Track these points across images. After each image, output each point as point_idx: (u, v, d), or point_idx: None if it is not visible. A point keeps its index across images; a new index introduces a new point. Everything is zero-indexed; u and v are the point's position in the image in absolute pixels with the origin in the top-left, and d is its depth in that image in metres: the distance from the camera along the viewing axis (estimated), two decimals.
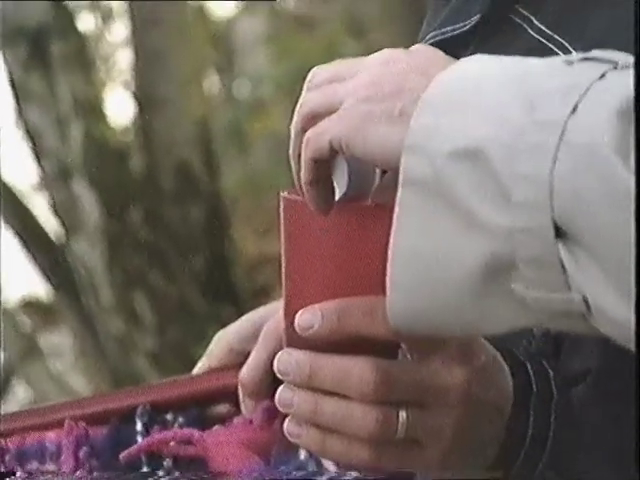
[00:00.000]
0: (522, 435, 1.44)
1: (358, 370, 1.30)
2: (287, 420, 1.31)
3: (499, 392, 1.43)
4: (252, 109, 6.60)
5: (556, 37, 1.54)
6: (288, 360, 1.29)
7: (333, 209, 1.52)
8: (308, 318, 1.28)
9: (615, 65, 1.18)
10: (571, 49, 1.45)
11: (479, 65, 1.22)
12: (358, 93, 1.16)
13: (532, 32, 1.54)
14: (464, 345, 1.40)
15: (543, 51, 1.50)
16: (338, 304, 1.29)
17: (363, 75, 1.18)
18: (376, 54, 1.22)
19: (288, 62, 7.01)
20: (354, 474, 1.76)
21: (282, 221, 1.48)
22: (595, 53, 1.20)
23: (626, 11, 1.47)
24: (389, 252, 1.22)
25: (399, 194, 1.18)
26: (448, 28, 1.72)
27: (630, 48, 1.50)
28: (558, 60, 1.20)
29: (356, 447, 1.36)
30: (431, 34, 1.74)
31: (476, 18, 1.62)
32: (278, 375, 1.29)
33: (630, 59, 1.22)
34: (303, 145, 1.15)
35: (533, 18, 1.57)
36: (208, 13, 6.74)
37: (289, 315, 1.29)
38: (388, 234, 1.52)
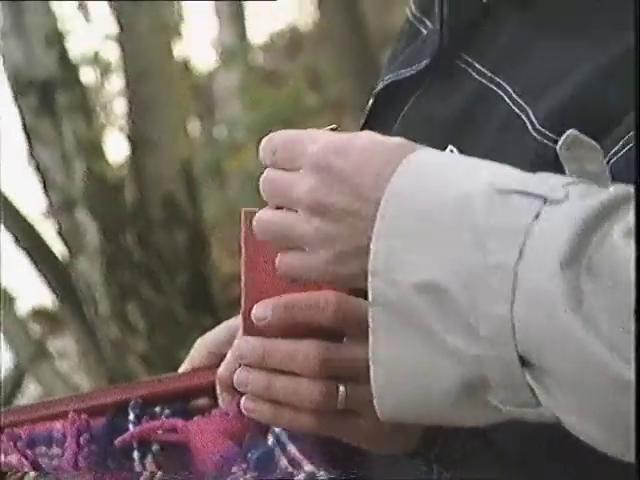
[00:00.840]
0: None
1: (304, 351, 1.38)
2: (244, 398, 1.39)
3: None
4: (229, 150, 6.59)
5: (496, 79, 1.54)
6: (245, 346, 1.38)
7: None
8: (262, 311, 1.36)
9: (545, 200, 1.19)
10: (509, 89, 1.50)
11: (424, 184, 1.23)
12: (311, 209, 1.23)
13: (475, 75, 1.56)
14: None
15: (485, 91, 1.54)
16: (286, 298, 1.38)
17: (312, 181, 1.21)
18: (322, 145, 1.26)
19: (259, 110, 7.03)
20: (326, 475, 1.77)
21: (242, 230, 1.52)
22: (526, 186, 1.21)
23: (559, 55, 1.52)
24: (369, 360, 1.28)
25: (370, 312, 1.24)
26: (402, 71, 1.71)
27: (562, 89, 1.50)
28: (491, 189, 1.20)
29: (303, 417, 1.44)
30: (388, 76, 1.73)
31: (425, 63, 1.62)
32: (237, 359, 1.39)
33: (558, 190, 1.19)
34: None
35: (475, 63, 1.58)
36: (192, 68, 6.75)
37: (246, 309, 1.36)
38: None
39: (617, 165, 1.43)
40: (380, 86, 1.75)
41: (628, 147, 1.44)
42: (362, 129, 1.74)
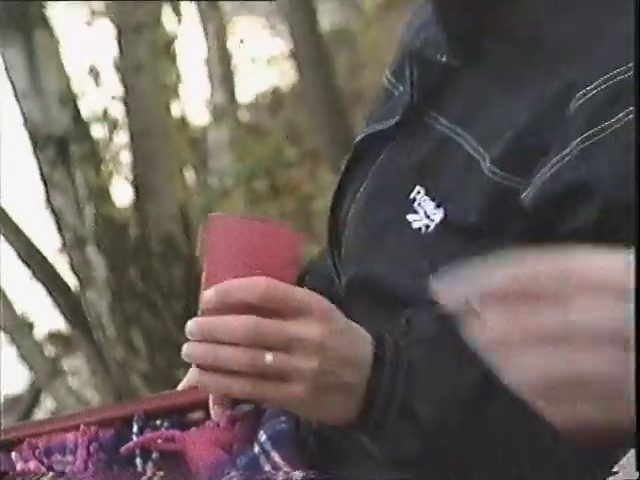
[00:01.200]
0: (378, 385, 1.52)
1: (237, 324, 1.46)
2: (198, 373, 1.49)
3: (357, 350, 1.53)
4: (219, 195, 6.61)
5: (457, 129, 1.59)
6: (193, 324, 1.48)
7: (240, 224, 1.67)
8: (209, 294, 1.47)
9: None
10: (468, 137, 1.55)
11: None
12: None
13: (439, 127, 1.61)
14: (324, 310, 1.54)
15: (448, 140, 1.60)
16: (226, 283, 1.48)
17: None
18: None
19: (245, 161, 7.03)
20: (301, 473, 1.77)
21: (208, 232, 1.64)
22: None
23: (505, 107, 1.56)
24: None
25: None
26: (377, 126, 1.76)
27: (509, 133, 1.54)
28: None
29: (239, 382, 1.49)
30: (365, 130, 1.81)
31: (397, 118, 1.68)
32: (188, 336, 1.48)
33: None
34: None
35: (440, 117, 1.63)
36: (187, 124, 6.76)
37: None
38: (269, 247, 1.61)
39: (547, 184, 1.51)
40: (358, 138, 1.81)
41: (555, 169, 1.49)
42: (343, 174, 1.84)
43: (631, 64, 1.47)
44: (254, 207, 6.39)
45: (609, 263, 1.12)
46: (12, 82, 3.47)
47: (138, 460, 1.85)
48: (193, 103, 7.06)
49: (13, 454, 1.87)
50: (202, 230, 1.59)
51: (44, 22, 3.51)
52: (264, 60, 8.41)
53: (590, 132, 1.46)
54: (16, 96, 3.50)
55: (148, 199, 4.16)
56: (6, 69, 3.46)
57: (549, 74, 1.51)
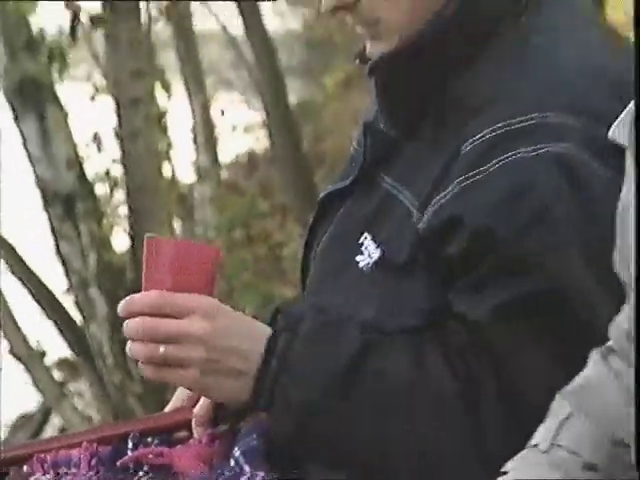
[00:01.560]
0: (265, 374, 1.55)
1: (138, 325, 1.59)
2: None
3: (246, 342, 1.59)
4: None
5: (398, 186, 1.59)
6: (125, 326, 1.56)
7: (166, 244, 1.71)
8: (121, 307, 1.59)
9: None
10: (406, 192, 1.56)
11: None
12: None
13: (385, 184, 1.62)
14: (207, 310, 1.62)
15: (391, 195, 1.61)
16: (130, 298, 1.58)
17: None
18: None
19: (225, 214, 7.03)
20: (262, 474, 1.75)
21: (145, 252, 1.64)
22: None
23: (431, 166, 1.55)
24: None
25: None
26: (338, 184, 1.76)
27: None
28: None
29: (148, 369, 1.63)
30: (328, 188, 1.81)
31: (352, 178, 1.69)
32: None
33: None
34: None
35: (385, 176, 1.64)
36: (176, 182, 6.76)
37: None
38: (190, 261, 1.67)
39: (432, 217, 1.52)
40: (322, 195, 1.81)
41: (438, 204, 1.51)
42: (310, 228, 1.85)
43: (518, 116, 1.48)
44: (232, 253, 6.38)
45: None
46: (27, 150, 3.46)
47: (132, 473, 1.86)
48: (181, 165, 7.06)
49: (25, 467, 1.86)
50: (147, 245, 1.69)
51: (54, 98, 3.50)
52: (241, 128, 8.42)
53: (469, 174, 1.47)
54: (30, 161, 3.48)
55: (142, 246, 4.16)
56: (22, 139, 3.45)
57: (459, 132, 1.51)
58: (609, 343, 1.31)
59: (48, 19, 3.72)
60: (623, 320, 1.26)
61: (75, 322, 4.57)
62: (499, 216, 1.48)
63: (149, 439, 1.86)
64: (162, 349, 1.56)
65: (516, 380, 1.51)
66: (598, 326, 1.34)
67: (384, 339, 1.59)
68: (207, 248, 1.77)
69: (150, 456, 1.84)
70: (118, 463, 1.84)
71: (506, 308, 1.50)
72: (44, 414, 5.41)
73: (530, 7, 1.58)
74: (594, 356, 1.32)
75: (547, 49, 1.58)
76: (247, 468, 1.78)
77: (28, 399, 4.38)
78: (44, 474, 1.83)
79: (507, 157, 1.45)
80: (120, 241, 4.08)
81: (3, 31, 3.31)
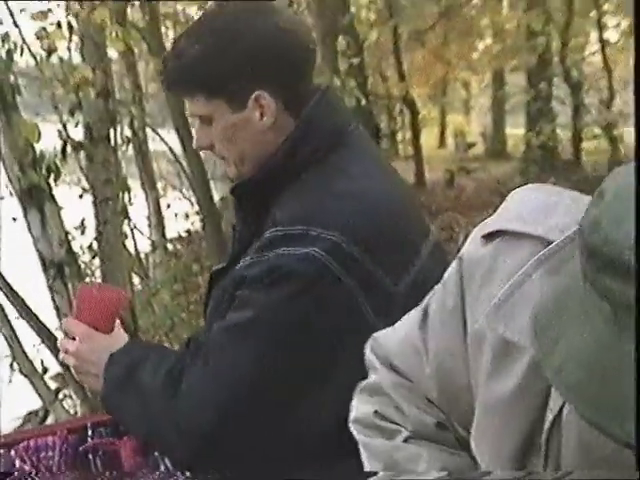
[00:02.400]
0: (104, 378, 1.69)
1: (64, 346, 1.72)
2: None
3: (98, 357, 1.71)
4: (153, 293, 6.56)
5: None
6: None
7: (83, 290, 1.84)
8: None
9: None
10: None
11: None
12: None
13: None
14: (82, 337, 1.72)
15: None
16: (65, 321, 1.78)
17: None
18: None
19: (169, 273, 7.03)
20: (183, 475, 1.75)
21: (77, 295, 1.79)
22: None
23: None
24: None
25: None
26: (222, 263, 1.75)
27: None
28: None
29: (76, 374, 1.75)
30: (215, 266, 1.79)
31: (227, 261, 1.69)
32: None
33: None
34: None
35: (246, 257, 1.62)
36: (138, 252, 6.74)
37: None
38: (98, 302, 1.77)
39: (238, 271, 1.61)
40: (212, 270, 1.78)
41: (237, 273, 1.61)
42: (206, 295, 1.81)
43: (290, 225, 1.51)
44: (174, 300, 6.30)
45: None
46: (31, 232, 3.43)
47: (90, 456, 1.83)
48: (140, 241, 7.02)
49: (12, 452, 1.82)
50: (79, 291, 1.91)
51: (51, 198, 3.49)
52: (182, 216, 8.35)
53: (254, 256, 1.53)
54: (33, 240, 3.45)
55: (115, 285, 4.11)
56: (28, 225, 3.42)
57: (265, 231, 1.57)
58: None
59: (47, 144, 3.70)
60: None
61: None
62: (255, 279, 1.52)
63: (102, 429, 1.84)
64: (60, 356, 1.73)
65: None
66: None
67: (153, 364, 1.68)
68: (111, 292, 1.84)
69: (104, 444, 1.84)
70: (81, 448, 1.82)
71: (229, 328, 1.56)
72: (45, 412, 5.28)
73: (328, 154, 1.62)
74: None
75: (327, 183, 1.57)
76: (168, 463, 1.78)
77: (34, 401, 4.25)
78: (25, 462, 1.80)
79: (277, 254, 1.49)
80: None
81: (15, 154, 3.31)
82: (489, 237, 1.02)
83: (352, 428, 1.23)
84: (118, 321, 1.77)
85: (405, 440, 1.16)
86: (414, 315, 1.16)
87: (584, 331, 0.73)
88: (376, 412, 1.20)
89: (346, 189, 1.55)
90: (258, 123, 1.59)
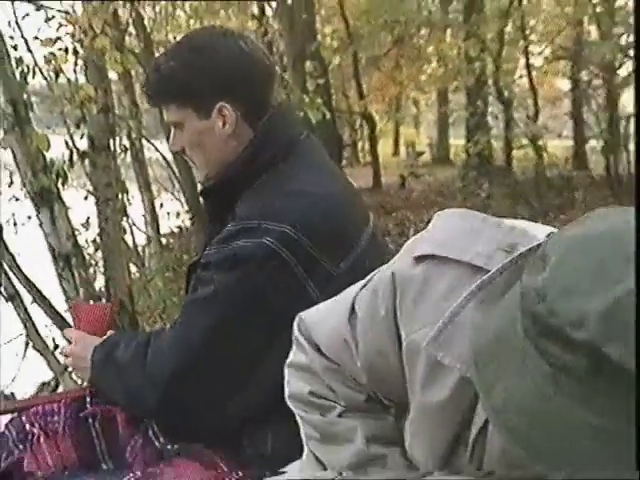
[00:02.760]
0: (90, 369, 1.77)
1: (67, 347, 1.78)
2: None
3: (86, 355, 1.73)
4: (148, 280, 6.49)
5: None
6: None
7: (77, 307, 1.88)
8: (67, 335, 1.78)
9: None
10: None
11: None
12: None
13: None
14: (76, 341, 1.77)
15: None
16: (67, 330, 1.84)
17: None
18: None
19: (162, 263, 6.97)
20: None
21: (74, 310, 1.84)
22: None
23: None
24: None
25: None
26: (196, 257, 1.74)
27: None
28: None
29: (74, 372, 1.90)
30: (194, 258, 1.77)
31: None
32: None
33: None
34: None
35: None
36: (136, 245, 6.65)
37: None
38: (90, 315, 1.81)
39: (206, 257, 1.60)
40: (189, 264, 1.77)
41: (210, 252, 1.61)
42: (186, 286, 1.78)
43: (248, 220, 1.52)
44: (166, 286, 6.23)
45: None
46: (42, 228, 3.38)
47: (90, 420, 1.81)
48: (137, 235, 6.98)
49: (23, 417, 1.80)
50: (74, 307, 1.97)
51: (59, 199, 3.45)
52: (174, 214, 8.28)
53: (218, 246, 1.54)
54: (44, 235, 3.41)
55: (114, 283, 4.04)
56: (40, 222, 3.38)
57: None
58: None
59: (56, 153, 3.67)
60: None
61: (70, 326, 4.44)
62: (217, 263, 1.53)
63: (99, 399, 1.83)
64: (70, 361, 1.81)
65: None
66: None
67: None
68: (101, 306, 1.98)
69: (101, 410, 1.82)
70: (81, 414, 1.80)
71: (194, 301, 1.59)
72: (56, 382, 5.22)
73: (284, 158, 1.63)
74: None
75: (280, 185, 1.58)
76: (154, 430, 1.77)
77: (46, 373, 4.24)
78: (34, 426, 1.78)
79: (236, 242, 1.50)
80: (99, 282, 3.99)
81: (28, 161, 3.28)
82: (419, 259, 1.00)
83: (289, 402, 1.23)
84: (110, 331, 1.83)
85: (339, 415, 1.16)
86: (341, 308, 1.14)
87: (523, 381, 0.72)
88: (311, 392, 1.19)
89: (295, 190, 1.56)
90: (220, 131, 1.63)
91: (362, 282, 1.15)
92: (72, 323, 1.89)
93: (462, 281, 0.92)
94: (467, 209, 1.04)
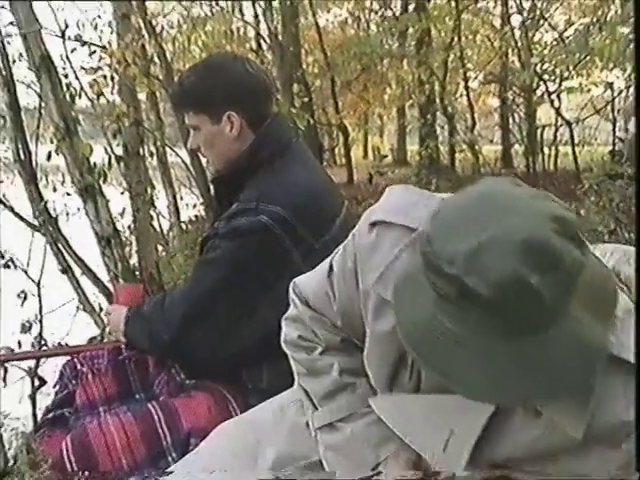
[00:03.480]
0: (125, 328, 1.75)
1: (106, 317, 1.73)
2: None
3: (119, 319, 1.71)
4: (172, 256, 6.44)
5: None
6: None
7: (117, 287, 2.02)
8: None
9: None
10: None
11: None
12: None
13: None
14: (110, 310, 1.73)
15: None
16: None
17: None
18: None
19: (182, 243, 6.89)
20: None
21: (114, 290, 1.93)
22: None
23: None
24: None
25: None
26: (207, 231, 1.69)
27: None
28: None
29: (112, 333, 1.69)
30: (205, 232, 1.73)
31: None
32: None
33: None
34: None
35: None
36: (160, 229, 6.58)
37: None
38: (126, 292, 1.79)
39: (214, 230, 1.59)
40: (202, 237, 1.70)
41: (219, 226, 1.56)
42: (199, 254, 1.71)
43: (248, 202, 1.51)
44: (187, 260, 6.14)
45: None
46: (88, 216, 3.37)
47: (127, 362, 1.82)
48: (163, 222, 6.92)
49: (75, 359, 1.81)
50: (115, 288, 1.91)
51: (101, 193, 3.42)
52: (191, 205, 8.18)
53: (226, 222, 1.53)
54: (90, 222, 3.39)
55: (145, 259, 3.97)
56: (86, 212, 3.37)
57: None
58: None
59: (97, 157, 3.65)
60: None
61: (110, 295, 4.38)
62: (223, 235, 1.54)
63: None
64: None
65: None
66: None
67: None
68: (134, 286, 1.96)
69: (134, 355, 1.82)
70: (120, 357, 1.81)
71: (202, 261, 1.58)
72: (101, 337, 5.17)
73: (279, 156, 1.63)
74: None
75: (275, 176, 1.58)
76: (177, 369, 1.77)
77: (93, 330, 4.21)
78: (83, 366, 1.78)
79: (239, 219, 1.51)
80: (133, 259, 3.96)
81: (77, 164, 3.25)
82: (372, 225, 1.03)
83: (284, 347, 1.23)
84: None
85: (320, 353, 1.17)
86: (323, 269, 1.16)
87: (420, 303, 0.77)
88: (299, 336, 1.20)
89: (287, 180, 1.57)
90: (228, 134, 1.63)
91: (338, 248, 1.17)
92: (113, 299, 1.88)
93: (402, 239, 0.96)
94: (410, 185, 1.08)
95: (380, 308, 0.99)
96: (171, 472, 1.24)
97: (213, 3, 8.35)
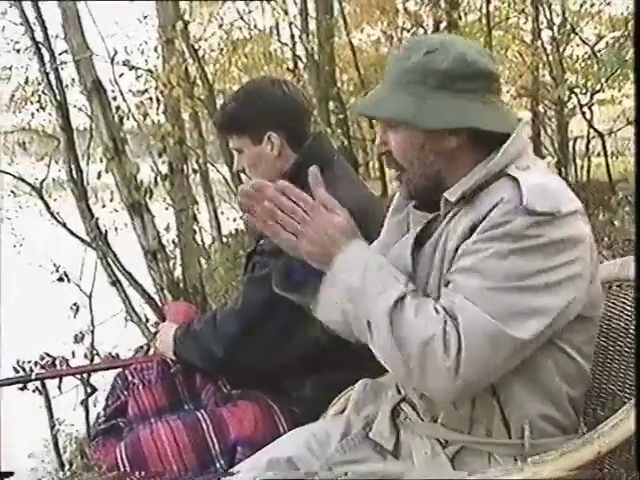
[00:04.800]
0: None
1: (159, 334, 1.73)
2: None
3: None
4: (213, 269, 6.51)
5: None
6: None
7: (171, 305, 2.05)
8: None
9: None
10: None
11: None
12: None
13: None
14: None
15: None
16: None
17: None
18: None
19: (224, 256, 6.96)
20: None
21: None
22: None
23: None
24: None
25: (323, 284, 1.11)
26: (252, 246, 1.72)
27: None
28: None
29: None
30: None
31: None
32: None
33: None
34: None
35: None
36: (203, 243, 6.63)
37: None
38: (180, 312, 1.78)
39: None
40: (247, 252, 1.72)
41: None
42: (245, 268, 1.74)
43: None
44: (229, 272, 6.17)
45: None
46: (135, 232, 3.40)
47: (177, 373, 1.83)
48: (205, 236, 7.00)
49: (127, 372, 1.82)
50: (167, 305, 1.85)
51: (147, 209, 3.47)
52: (232, 219, 8.27)
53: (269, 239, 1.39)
54: (137, 236, 3.43)
55: (188, 272, 4.00)
56: (133, 227, 3.41)
57: None
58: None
59: (144, 175, 3.70)
60: None
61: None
62: (271, 251, 1.52)
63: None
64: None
65: None
66: None
67: None
68: (187, 305, 1.94)
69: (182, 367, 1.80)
70: (171, 370, 1.82)
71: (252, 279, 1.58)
72: (147, 347, 5.20)
73: (322, 173, 1.57)
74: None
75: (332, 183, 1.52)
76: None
77: (141, 339, 4.27)
78: (134, 377, 1.79)
79: None
80: (177, 272, 3.99)
81: (125, 182, 3.31)
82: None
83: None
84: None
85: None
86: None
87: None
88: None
89: (333, 196, 1.55)
90: (269, 153, 1.63)
91: None
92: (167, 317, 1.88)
93: None
94: None
95: (397, 207, 1.28)
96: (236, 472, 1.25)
97: (252, 26, 8.49)
